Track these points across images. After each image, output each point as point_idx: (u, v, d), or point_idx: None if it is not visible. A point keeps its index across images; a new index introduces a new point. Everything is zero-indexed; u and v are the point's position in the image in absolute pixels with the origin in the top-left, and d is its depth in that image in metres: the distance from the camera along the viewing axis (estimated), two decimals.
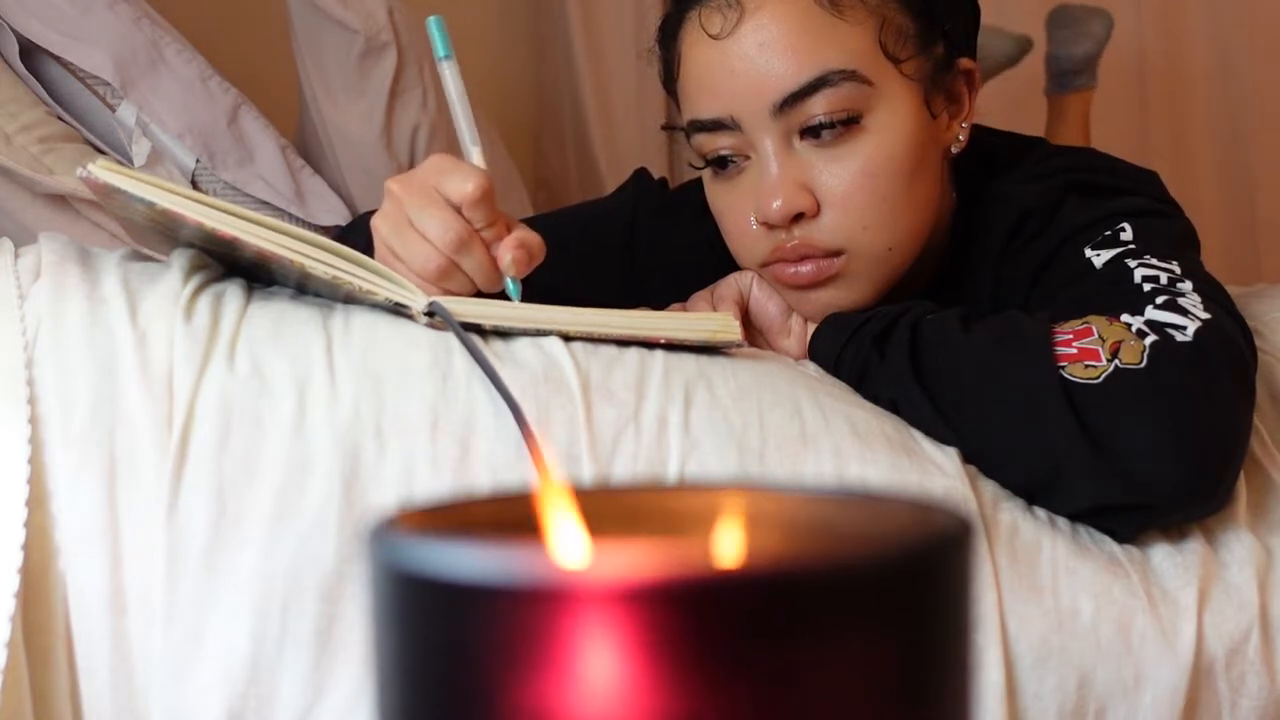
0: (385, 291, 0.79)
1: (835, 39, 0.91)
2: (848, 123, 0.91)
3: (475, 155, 0.89)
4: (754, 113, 0.92)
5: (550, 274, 1.05)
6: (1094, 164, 1.03)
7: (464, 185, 0.83)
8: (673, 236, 1.10)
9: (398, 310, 0.80)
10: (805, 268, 0.94)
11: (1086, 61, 2.00)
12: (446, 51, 0.89)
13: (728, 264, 1.01)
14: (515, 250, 0.84)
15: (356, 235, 0.89)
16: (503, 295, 0.86)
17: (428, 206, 0.84)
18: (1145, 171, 1.03)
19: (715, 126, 0.94)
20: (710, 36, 0.93)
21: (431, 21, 0.89)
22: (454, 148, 1.60)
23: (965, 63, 0.98)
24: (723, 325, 0.86)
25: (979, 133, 1.01)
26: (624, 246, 1.13)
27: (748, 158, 0.95)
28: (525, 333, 0.81)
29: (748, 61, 0.91)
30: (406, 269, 0.84)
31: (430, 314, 0.79)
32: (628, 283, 1.10)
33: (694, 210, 1.04)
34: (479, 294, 0.86)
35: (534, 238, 0.86)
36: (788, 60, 0.91)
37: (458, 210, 0.84)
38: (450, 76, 0.90)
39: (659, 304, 1.02)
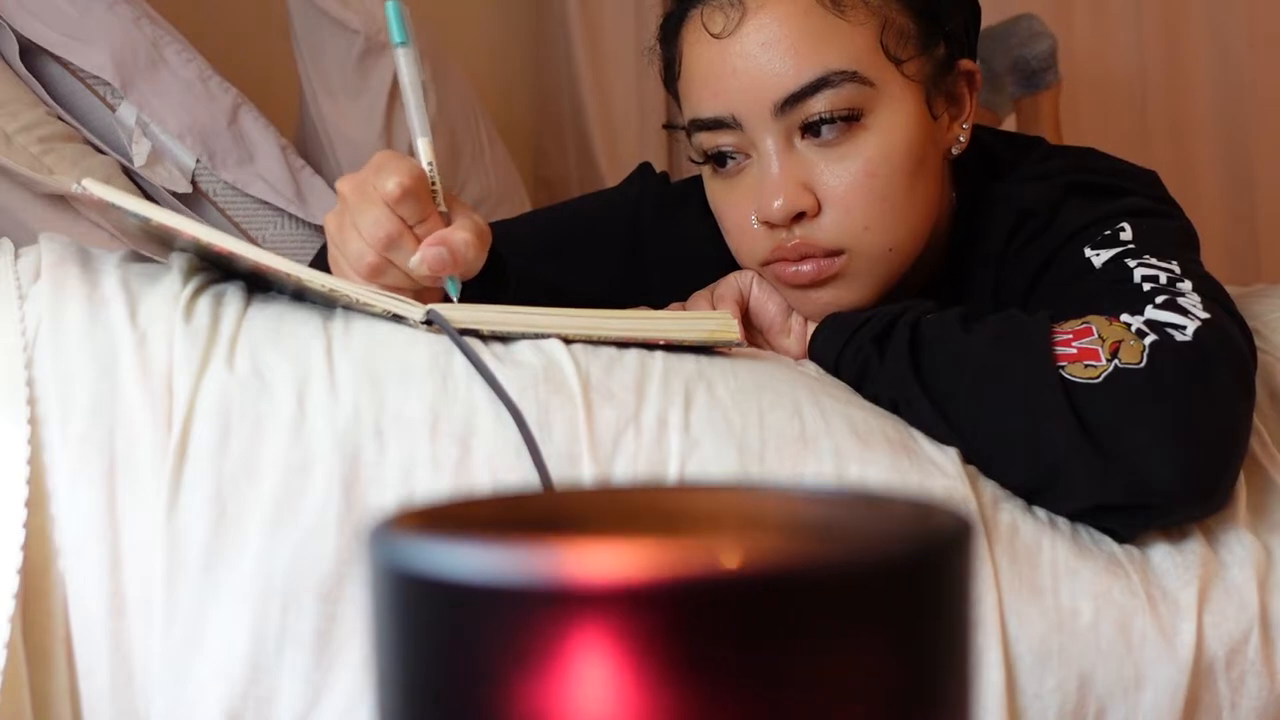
0: (382, 303, 0.79)
1: (837, 39, 0.91)
2: (848, 119, 0.91)
3: (422, 146, 0.87)
4: (755, 112, 0.92)
5: (552, 267, 1.05)
6: (1094, 164, 1.03)
7: (388, 182, 0.82)
8: (677, 230, 1.10)
9: (396, 320, 0.80)
10: (806, 267, 0.94)
11: (1052, 55, 2.02)
12: (403, 38, 0.88)
13: (730, 260, 1.01)
14: (429, 249, 0.82)
15: None
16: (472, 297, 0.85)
17: (363, 204, 0.83)
18: (1145, 171, 1.03)
19: (716, 125, 0.94)
20: (712, 35, 0.93)
21: (390, 6, 0.88)
22: (457, 149, 1.61)
23: (966, 64, 0.98)
24: (722, 325, 0.86)
25: (978, 133, 1.01)
26: (628, 239, 1.13)
27: (748, 156, 0.95)
28: (524, 336, 0.81)
29: (749, 61, 0.91)
30: (348, 267, 0.84)
31: (428, 323, 0.79)
32: (630, 276, 1.10)
33: (698, 204, 1.04)
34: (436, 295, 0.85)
35: (459, 236, 0.83)
36: (789, 60, 0.91)
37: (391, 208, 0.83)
38: (404, 64, 0.88)
39: (660, 299, 1.02)
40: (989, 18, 1.94)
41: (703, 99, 0.95)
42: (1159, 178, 1.03)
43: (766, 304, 0.99)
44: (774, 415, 0.80)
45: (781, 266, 0.95)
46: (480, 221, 0.86)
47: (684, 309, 1.00)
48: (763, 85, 0.91)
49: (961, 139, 0.99)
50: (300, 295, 0.83)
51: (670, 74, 1.00)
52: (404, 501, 0.71)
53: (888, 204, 0.93)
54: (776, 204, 0.92)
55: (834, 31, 0.91)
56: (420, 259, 0.82)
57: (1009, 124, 2.10)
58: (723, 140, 0.94)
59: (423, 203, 0.83)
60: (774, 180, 0.92)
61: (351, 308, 0.81)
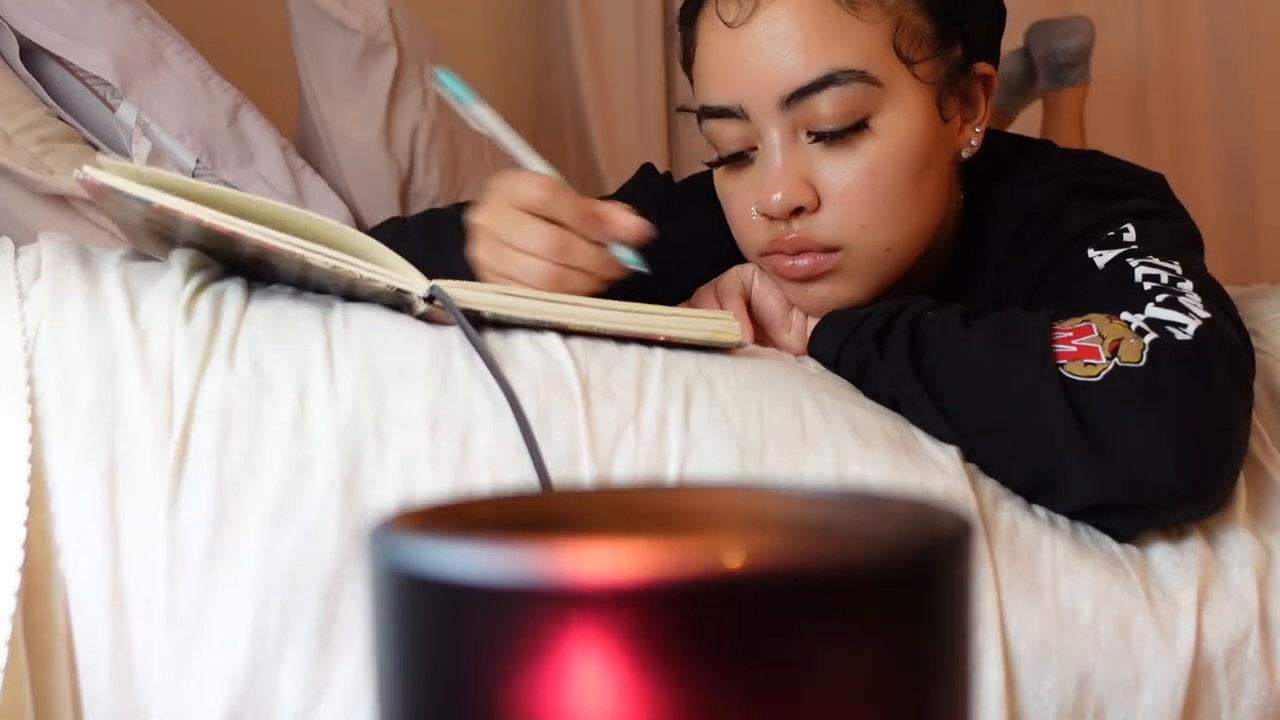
0: (386, 279, 0.79)
1: (848, 37, 0.91)
2: (856, 128, 0.92)
3: (539, 165, 0.93)
4: (762, 104, 0.92)
5: None
6: (1100, 166, 1.03)
7: (533, 192, 0.86)
8: (680, 229, 1.10)
9: (399, 297, 0.80)
10: (802, 261, 0.94)
11: (1081, 53, 2.03)
12: (469, 95, 0.95)
13: (733, 256, 1.01)
14: (627, 215, 0.88)
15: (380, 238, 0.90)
16: (622, 289, 0.89)
17: (518, 224, 0.87)
18: (1152, 174, 1.03)
19: (724, 114, 0.94)
20: (725, 24, 0.93)
21: (441, 75, 0.95)
22: (457, 149, 1.61)
23: (983, 67, 0.98)
24: (724, 325, 0.86)
25: (989, 134, 1.01)
26: None
27: (754, 148, 0.95)
28: (525, 322, 0.81)
29: (759, 52, 0.92)
30: (525, 288, 0.86)
31: (430, 299, 0.79)
32: (635, 277, 1.10)
33: (702, 201, 1.04)
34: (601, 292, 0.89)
35: (626, 207, 0.89)
36: (798, 55, 0.91)
37: (544, 218, 0.87)
38: (484, 114, 0.95)
39: (665, 298, 1.02)
40: (1023, 17, 1.95)
41: (712, 87, 0.95)
42: (1165, 180, 1.03)
43: (767, 298, 0.99)
44: (774, 413, 0.80)
45: (778, 259, 0.95)
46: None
47: (690, 306, 1.00)
48: (770, 78, 0.91)
49: (973, 142, 0.98)
50: (303, 280, 0.83)
51: (688, 57, 1.00)
52: (404, 501, 0.71)
53: (888, 204, 0.93)
54: (776, 197, 0.92)
55: (846, 29, 0.91)
56: (625, 226, 0.88)
57: (1034, 116, 2.11)
58: (730, 132, 0.95)
59: (570, 199, 0.87)
60: (775, 173, 0.93)
61: (355, 285, 0.80)
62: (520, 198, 0.87)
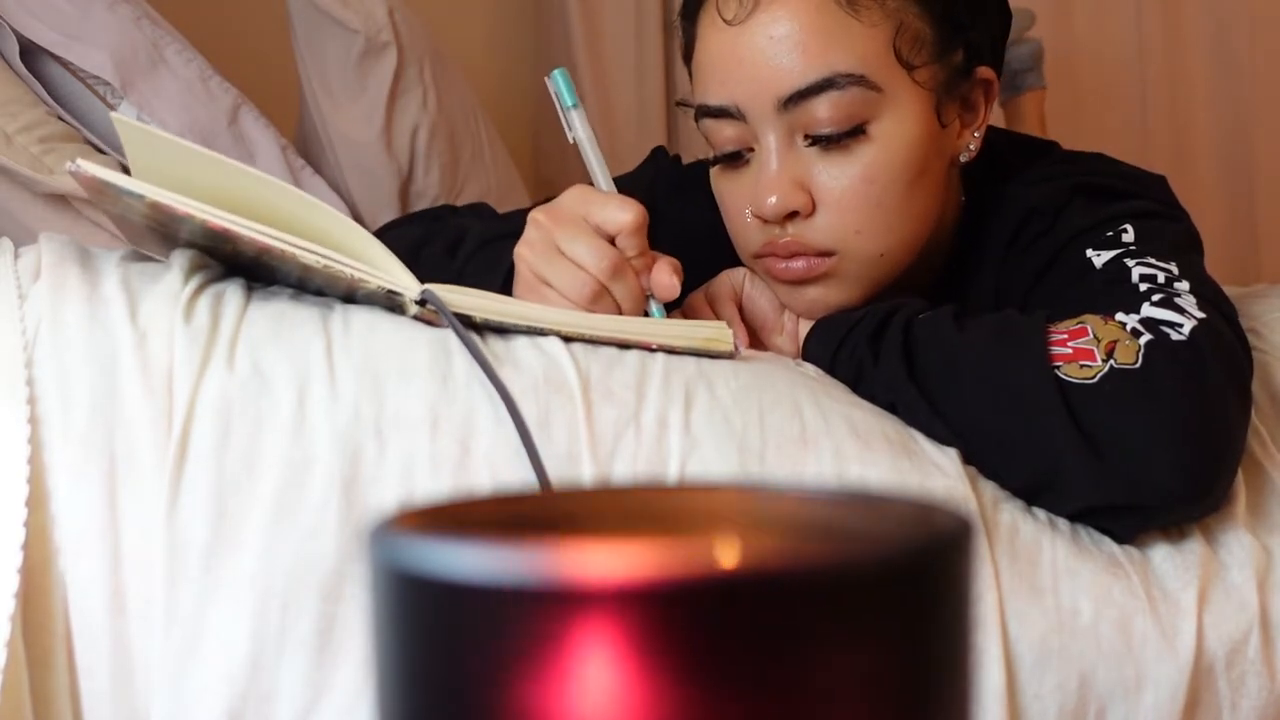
0: (376, 280, 0.79)
1: (847, 40, 0.90)
2: (853, 133, 0.91)
3: (606, 187, 0.94)
4: (759, 105, 0.92)
5: None
6: (1101, 168, 1.02)
7: (621, 215, 0.88)
8: (690, 213, 1.09)
9: (391, 298, 0.80)
10: (796, 264, 0.94)
11: (1033, 58, 2.02)
12: (574, 100, 0.97)
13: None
14: (671, 277, 0.90)
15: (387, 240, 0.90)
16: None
17: (579, 235, 0.88)
18: (1153, 176, 1.03)
19: (721, 114, 0.94)
20: (725, 21, 0.92)
21: (557, 73, 0.97)
22: (457, 149, 1.61)
23: (984, 72, 0.97)
24: (716, 334, 0.86)
25: (993, 135, 1.01)
26: None
27: (752, 149, 0.95)
28: (515, 328, 0.81)
29: (757, 53, 0.91)
30: (557, 295, 0.87)
31: (422, 303, 0.79)
32: None
33: (708, 190, 1.04)
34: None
35: (678, 264, 0.91)
36: (796, 57, 0.90)
37: (608, 239, 0.88)
38: (579, 124, 0.97)
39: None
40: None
41: (710, 86, 0.95)
42: (1167, 182, 1.02)
43: (759, 301, 0.99)
44: (774, 415, 0.80)
45: (772, 261, 0.95)
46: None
47: (683, 314, 1.00)
48: (768, 79, 0.91)
49: (971, 147, 0.98)
50: (303, 281, 0.83)
51: (688, 52, 1.00)
52: (404, 501, 0.71)
53: (882, 210, 0.92)
54: (770, 201, 0.92)
55: (845, 32, 0.90)
56: (667, 285, 0.90)
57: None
58: (727, 132, 0.94)
59: (644, 237, 0.89)
60: (770, 177, 0.92)
61: (351, 286, 0.80)
62: (603, 217, 0.88)
